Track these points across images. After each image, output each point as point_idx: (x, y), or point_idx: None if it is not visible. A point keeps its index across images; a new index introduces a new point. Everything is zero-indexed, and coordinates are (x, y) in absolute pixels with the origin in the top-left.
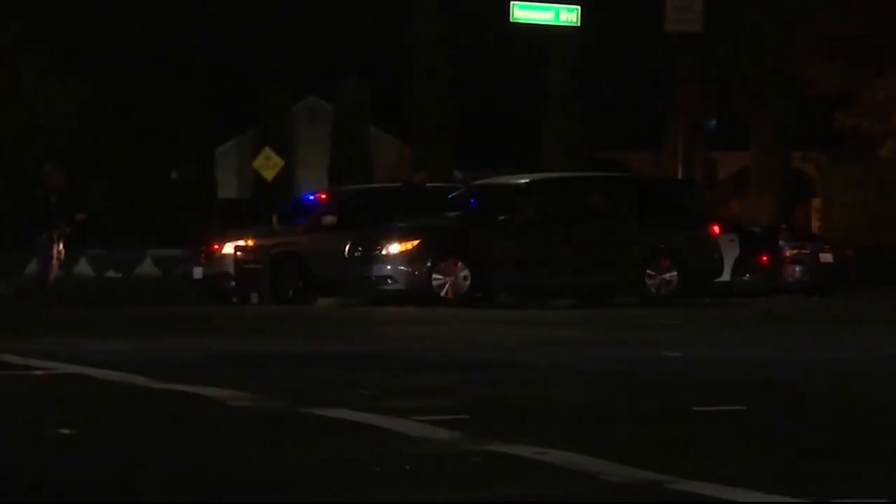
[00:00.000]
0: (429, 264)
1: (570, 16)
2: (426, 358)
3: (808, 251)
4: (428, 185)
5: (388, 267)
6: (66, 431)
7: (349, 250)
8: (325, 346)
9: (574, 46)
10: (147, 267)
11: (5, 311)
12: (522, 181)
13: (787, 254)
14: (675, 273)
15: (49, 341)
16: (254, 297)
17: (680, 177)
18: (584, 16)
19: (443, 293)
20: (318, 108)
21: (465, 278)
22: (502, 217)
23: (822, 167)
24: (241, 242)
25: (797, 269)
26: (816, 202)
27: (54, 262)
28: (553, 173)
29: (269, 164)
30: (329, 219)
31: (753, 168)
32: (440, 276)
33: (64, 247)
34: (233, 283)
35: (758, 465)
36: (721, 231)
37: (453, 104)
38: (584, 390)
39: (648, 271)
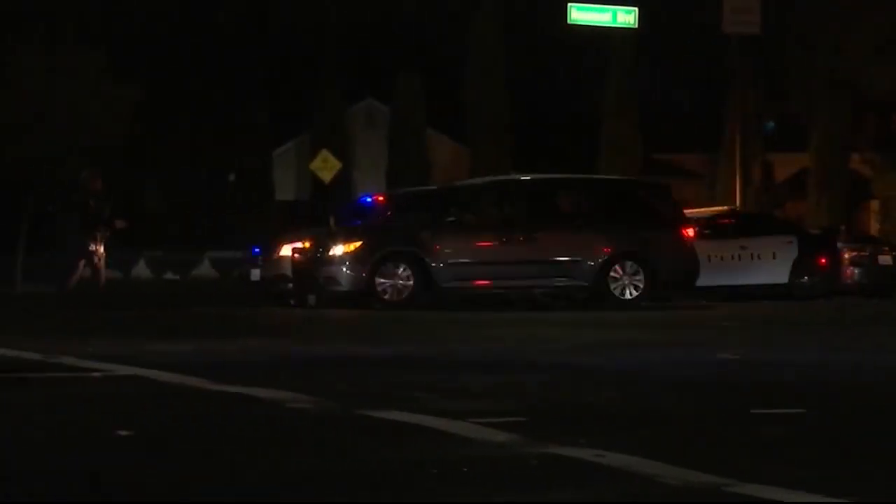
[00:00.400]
0: (371, 266)
1: (627, 17)
2: (481, 360)
3: (866, 253)
4: None
5: (333, 268)
6: (123, 433)
7: (313, 251)
8: (381, 347)
9: (631, 48)
10: (204, 269)
11: (60, 314)
12: (480, 182)
13: (846, 256)
14: (641, 277)
15: (106, 343)
16: (311, 299)
17: (738, 179)
18: (641, 17)
19: (386, 295)
20: (375, 110)
21: (407, 280)
22: (450, 219)
23: (878, 168)
24: (299, 245)
25: (856, 271)
26: (875, 204)
27: (99, 262)
28: (519, 175)
29: (326, 167)
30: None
31: (811, 170)
32: (383, 278)
33: (104, 250)
34: (290, 286)
35: (817, 467)
36: (691, 234)
37: (510, 106)
38: (642, 392)
39: (612, 275)
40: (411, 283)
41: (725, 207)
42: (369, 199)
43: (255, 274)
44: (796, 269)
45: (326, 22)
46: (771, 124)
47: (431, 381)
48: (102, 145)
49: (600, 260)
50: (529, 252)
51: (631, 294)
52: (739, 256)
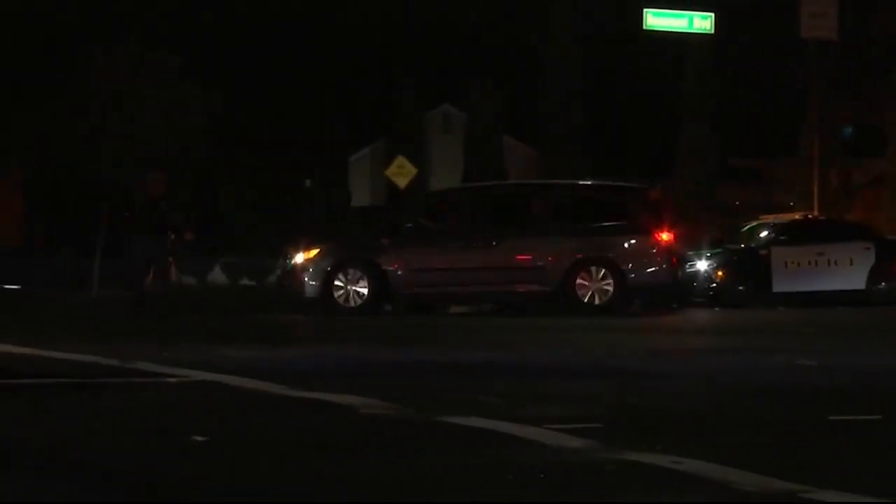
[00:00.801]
0: (325, 273)
1: (703, 23)
2: (554, 366)
3: None
4: None
5: (296, 276)
6: (198, 438)
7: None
8: (453, 353)
9: (707, 53)
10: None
11: (135, 319)
12: (446, 189)
13: None
14: (610, 282)
15: (181, 348)
16: (386, 306)
17: (815, 185)
18: (717, 23)
19: (342, 302)
20: (451, 116)
21: (362, 287)
22: (409, 224)
23: None
24: None
25: None
26: None
27: (166, 267)
28: (487, 181)
29: (402, 173)
30: None
31: (889, 176)
32: (340, 285)
33: (170, 255)
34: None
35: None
36: (667, 241)
37: (585, 111)
38: (717, 399)
39: (580, 281)
40: (366, 291)
41: (803, 213)
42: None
43: None
44: (874, 275)
45: (403, 28)
46: (849, 130)
47: (505, 387)
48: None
49: (566, 265)
50: (492, 258)
51: (600, 300)
52: (816, 262)
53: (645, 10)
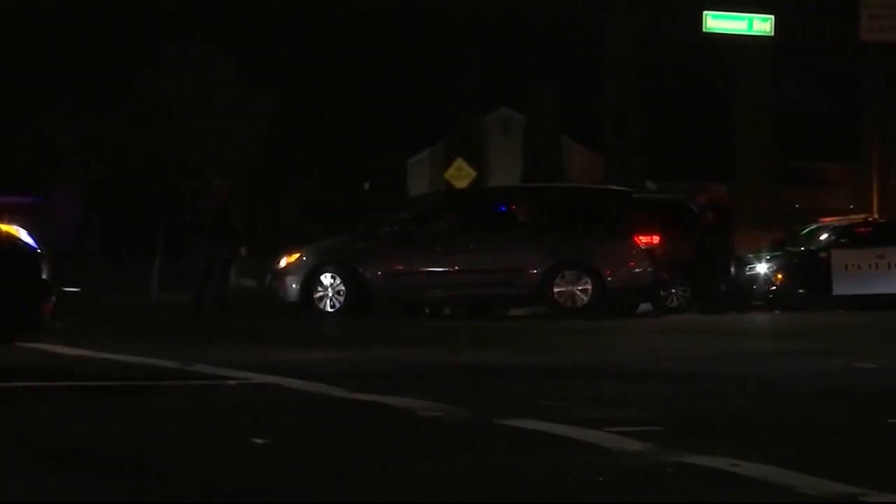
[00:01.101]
0: (304, 277)
1: (763, 25)
2: (612, 368)
3: None
4: None
5: (278, 280)
6: (258, 441)
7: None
8: (514, 356)
9: (767, 55)
10: None
11: (194, 322)
12: (426, 193)
13: None
14: (588, 286)
15: (241, 351)
16: (446, 309)
17: (875, 187)
18: (777, 25)
19: (321, 305)
20: (509, 118)
21: (339, 292)
22: (387, 228)
23: None
24: None
25: None
26: None
27: (225, 272)
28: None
29: (461, 175)
30: None
31: None
32: (320, 289)
33: (230, 258)
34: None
35: None
36: (645, 242)
37: (644, 114)
38: (776, 401)
39: (557, 284)
40: (342, 295)
41: (863, 216)
42: (503, 208)
43: None
44: None
45: (461, 31)
46: None
47: (565, 389)
48: (239, 155)
49: (543, 269)
50: (470, 261)
51: (578, 303)
52: (877, 265)
53: (705, 12)
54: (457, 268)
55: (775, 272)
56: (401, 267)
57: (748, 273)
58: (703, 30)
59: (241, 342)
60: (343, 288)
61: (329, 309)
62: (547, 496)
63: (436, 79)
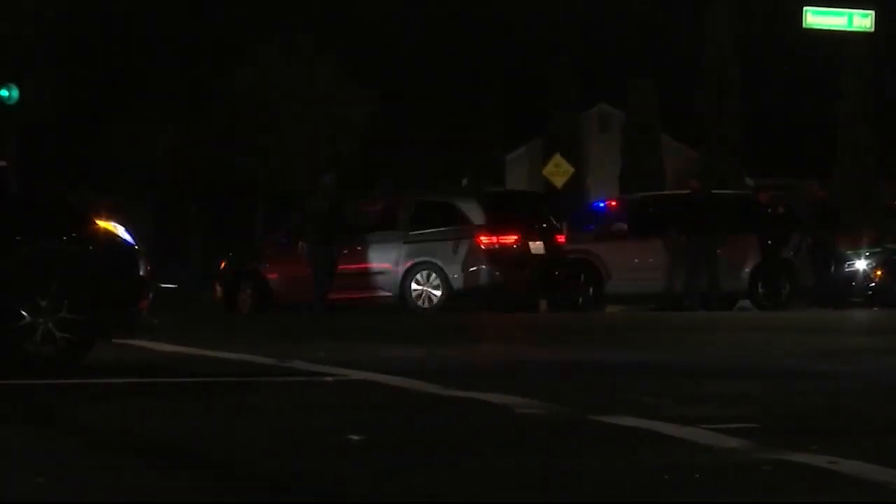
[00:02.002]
0: (224, 282)
1: (863, 21)
2: (709, 365)
3: None
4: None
5: (218, 282)
6: (355, 437)
7: None
8: (611, 353)
9: (867, 51)
10: None
11: (290, 319)
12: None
13: None
14: (440, 286)
15: (338, 348)
16: (542, 304)
17: None
18: (878, 20)
19: (241, 309)
20: (608, 115)
21: (248, 294)
22: (279, 234)
23: None
24: None
25: None
26: None
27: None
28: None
29: (559, 172)
30: (619, 226)
31: None
32: (240, 293)
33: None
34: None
35: None
36: (487, 242)
37: (743, 111)
38: (875, 399)
39: (413, 286)
40: (250, 297)
41: None
42: (602, 205)
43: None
44: None
45: (560, 27)
46: None
47: (663, 386)
48: (338, 152)
49: (402, 271)
50: (348, 266)
51: (430, 304)
52: None
53: (805, 8)
54: (340, 272)
55: (874, 269)
56: (292, 272)
57: (847, 270)
58: (803, 26)
59: (338, 339)
60: (250, 291)
61: (245, 311)
62: (644, 493)
63: (534, 75)
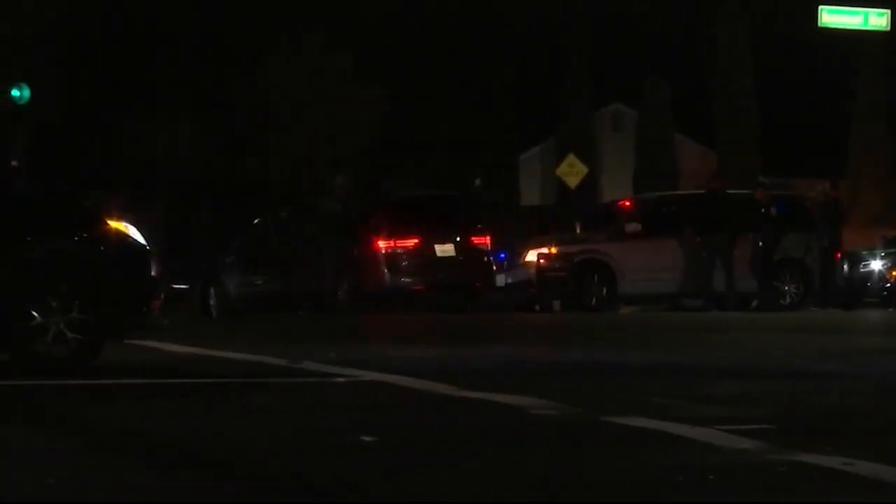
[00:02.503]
0: (200, 287)
1: (879, 20)
2: (723, 366)
3: None
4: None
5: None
6: (367, 438)
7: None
8: (624, 354)
9: (883, 51)
10: None
11: (301, 320)
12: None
13: None
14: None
15: (349, 348)
16: (556, 305)
17: None
18: (894, 19)
19: (212, 310)
20: (622, 115)
21: (215, 301)
22: (234, 248)
23: None
24: (545, 250)
25: None
26: None
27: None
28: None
29: (572, 172)
30: (633, 226)
31: None
32: (211, 299)
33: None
34: (535, 291)
35: None
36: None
37: (760, 110)
38: (890, 400)
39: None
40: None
41: None
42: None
43: (500, 279)
44: None
45: (573, 26)
46: None
47: (675, 387)
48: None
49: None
50: (276, 273)
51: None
52: None
53: (820, 7)
54: (266, 279)
55: (890, 269)
56: (242, 279)
57: (862, 270)
58: (819, 24)
59: (349, 339)
60: (214, 299)
61: (214, 314)
62: (657, 494)
63: (547, 74)
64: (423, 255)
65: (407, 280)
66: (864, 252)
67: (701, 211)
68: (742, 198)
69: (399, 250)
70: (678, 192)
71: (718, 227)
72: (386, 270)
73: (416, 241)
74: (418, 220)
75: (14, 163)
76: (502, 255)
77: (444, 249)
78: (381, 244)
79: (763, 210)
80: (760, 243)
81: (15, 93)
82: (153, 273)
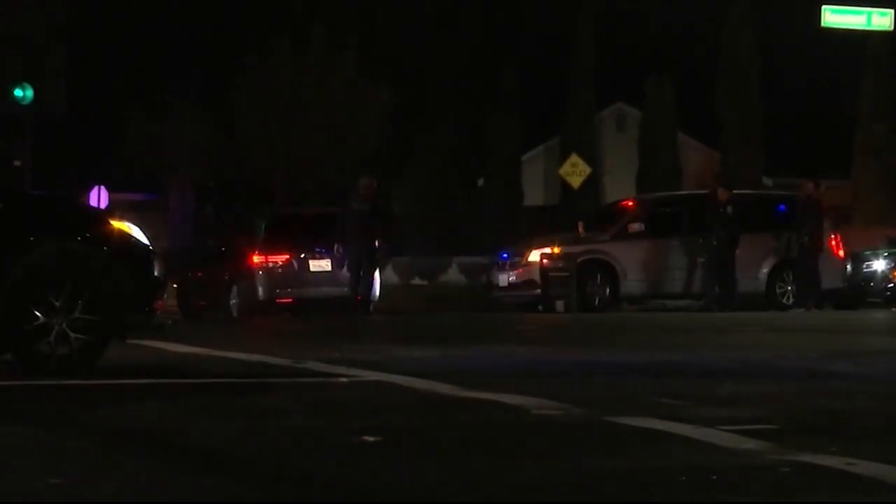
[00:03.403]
0: (177, 291)
1: (882, 20)
2: (727, 366)
3: None
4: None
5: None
6: (370, 439)
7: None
8: (626, 354)
9: (886, 50)
10: (452, 274)
11: (307, 321)
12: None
13: None
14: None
15: (353, 348)
16: (559, 305)
17: None
18: None
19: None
20: (625, 114)
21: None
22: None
23: None
24: (548, 250)
25: None
26: None
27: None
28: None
29: (575, 172)
30: (636, 226)
31: None
32: (189, 302)
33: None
34: (538, 291)
35: None
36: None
37: (762, 110)
38: (893, 400)
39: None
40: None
41: None
42: (619, 205)
43: (503, 279)
44: None
45: (576, 26)
46: None
47: (679, 387)
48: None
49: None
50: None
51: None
52: None
53: (823, 6)
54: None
55: (893, 269)
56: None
57: (865, 270)
58: (822, 24)
59: (352, 339)
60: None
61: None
62: (660, 495)
63: (551, 74)
64: (298, 269)
65: (279, 292)
66: (868, 252)
67: (704, 211)
68: (743, 198)
69: (272, 264)
70: (682, 192)
71: (721, 227)
72: (258, 285)
73: (287, 256)
74: (297, 236)
75: (17, 162)
76: (504, 255)
77: (318, 265)
78: (256, 259)
79: (721, 209)
80: (714, 242)
81: (18, 92)
82: (156, 273)
